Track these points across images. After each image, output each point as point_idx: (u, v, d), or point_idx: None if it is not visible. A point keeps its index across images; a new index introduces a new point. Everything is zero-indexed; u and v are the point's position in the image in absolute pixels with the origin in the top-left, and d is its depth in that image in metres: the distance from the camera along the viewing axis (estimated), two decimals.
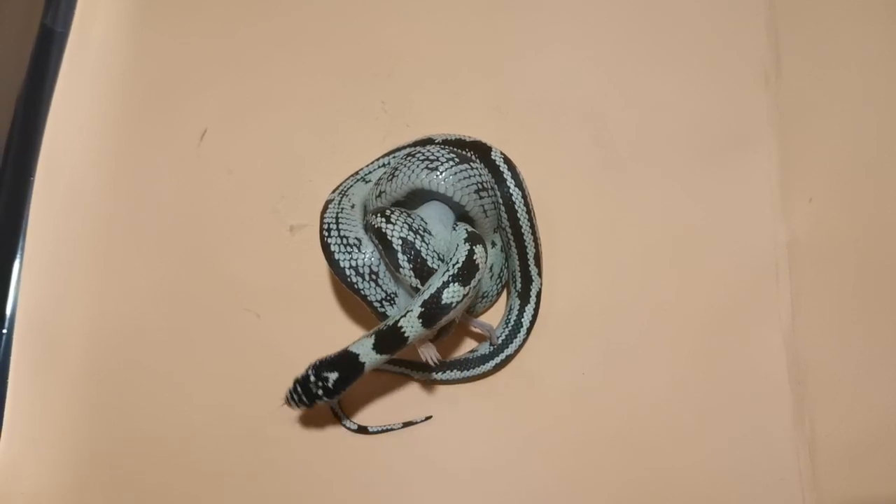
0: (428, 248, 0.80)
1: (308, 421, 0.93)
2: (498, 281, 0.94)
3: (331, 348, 0.94)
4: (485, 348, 0.93)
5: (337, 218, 0.86)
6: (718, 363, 0.93)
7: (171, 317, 0.97)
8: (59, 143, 1.02)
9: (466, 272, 0.78)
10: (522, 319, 0.92)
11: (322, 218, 0.88)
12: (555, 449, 0.92)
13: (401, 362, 0.93)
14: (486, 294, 0.93)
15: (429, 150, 0.84)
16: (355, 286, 0.83)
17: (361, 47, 1.04)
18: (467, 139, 0.91)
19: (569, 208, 0.98)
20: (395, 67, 1.03)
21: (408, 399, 0.94)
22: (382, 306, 0.83)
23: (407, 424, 0.93)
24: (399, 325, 0.78)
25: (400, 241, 0.80)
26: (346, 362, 0.81)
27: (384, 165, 0.93)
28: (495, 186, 0.88)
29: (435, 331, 0.81)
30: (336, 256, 0.83)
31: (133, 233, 0.99)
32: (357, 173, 0.93)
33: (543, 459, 0.92)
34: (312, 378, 0.81)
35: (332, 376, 0.81)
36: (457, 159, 0.83)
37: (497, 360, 0.92)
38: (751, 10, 1.02)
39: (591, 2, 1.04)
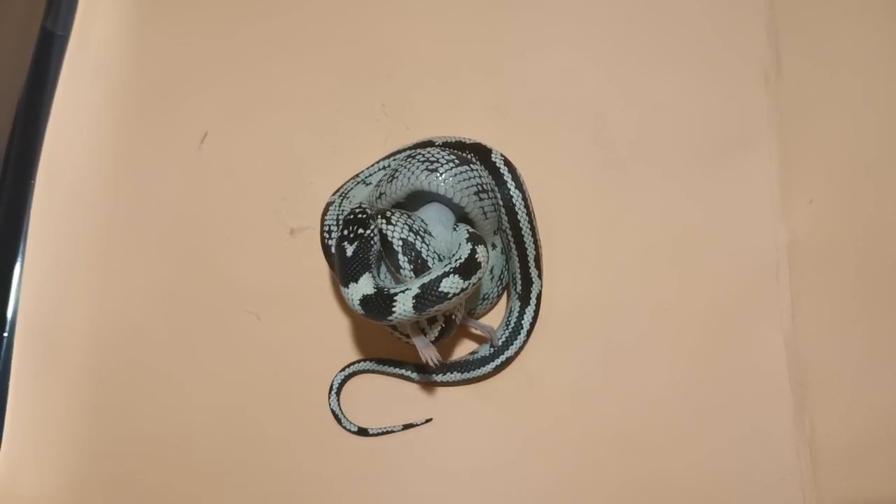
0: (428, 249, 0.81)
1: (308, 422, 0.94)
2: (498, 283, 0.94)
3: (331, 349, 0.95)
4: (485, 350, 0.93)
5: (338, 220, 0.87)
6: (718, 363, 0.93)
7: (172, 318, 0.97)
8: (59, 146, 1.02)
9: (468, 268, 0.78)
10: (523, 321, 0.92)
11: (323, 220, 0.88)
12: (555, 450, 0.92)
13: (401, 364, 0.93)
14: (486, 296, 0.93)
15: (429, 152, 0.84)
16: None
17: (361, 47, 1.04)
18: (467, 141, 0.91)
19: (569, 208, 0.98)
20: (395, 68, 1.03)
21: (408, 401, 0.94)
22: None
23: (407, 427, 0.93)
24: (394, 297, 0.77)
25: (400, 242, 0.80)
26: (342, 278, 0.80)
27: (384, 168, 0.93)
28: (495, 188, 0.88)
29: (420, 319, 0.80)
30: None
31: (133, 234, 1.00)
32: (357, 175, 0.93)
33: (544, 461, 0.92)
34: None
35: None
36: (457, 161, 0.83)
37: (497, 361, 0.92)
38: (751, 10, 1.02)
39: (591, 2, 1.03)
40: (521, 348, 0.93)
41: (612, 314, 0.95)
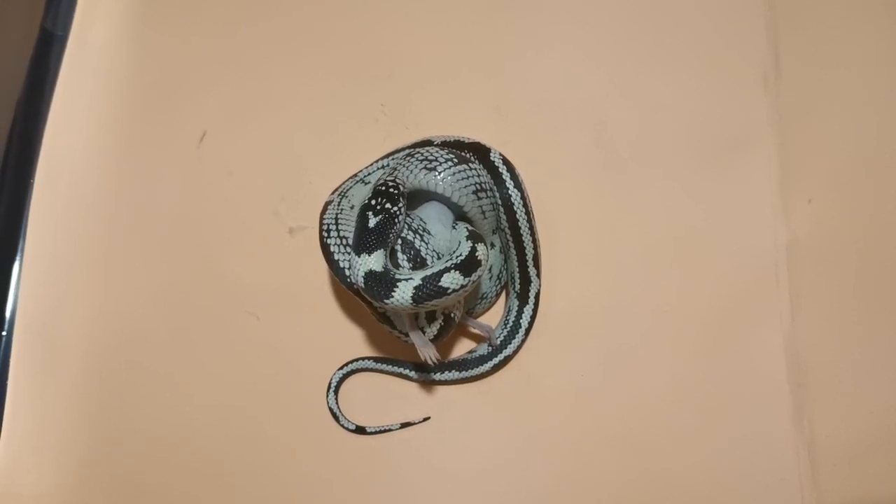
0: (427, 248, 0.81)
1: (307, 421, 0.94)
2: (497, 282, 0.94)
3: (331, 349, 0.95)
4: (483, 349, 0.93)
5: (336, 219, 0.86)
6: (718, 364, 0.93)
7: (171, 318, 0.97)
8: (59, 146, 1.02)
9: (468, 265, 0.78)
10: (521, 320, 0.92)
11: (321, 219, 0.88)
12: (554, 449, 0.92)
13: (400, 362, 0.93)
14: (485, 295, 0.93)
15: (428, 151, 0.84)
16: (355, 287, 0.83)
17: (361, 48, 1.04)
18: (466, 140, 0.91)
19: (569, 209, 0.98)
20: (395, 68, 1.03)
21: (406, 399, 0.94)
22: (382, 306, 0.83)
23: (405, 425, 0.93)
24: (397, 282, 0.76)
25: (399, 241, 0.81)
26: (355, 246, 0.79)
27: (383, 167, 0.93)
28: (494, 188, 0.88)
29: (414, 311, 0.80)
30: (336, 257, 0.83)
31: (133, 234, 1.00)
32: (356, 175, 0.93)
33: (542, 460, 0.92)
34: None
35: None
36: (455, 160, 0.83)
37: (496, 360, 0.92)
38: (751, 10, 1.02)
39: (592, 2, 1.03)
40: (519, 347, 0.93)
41: (611, 314, 0.95)
